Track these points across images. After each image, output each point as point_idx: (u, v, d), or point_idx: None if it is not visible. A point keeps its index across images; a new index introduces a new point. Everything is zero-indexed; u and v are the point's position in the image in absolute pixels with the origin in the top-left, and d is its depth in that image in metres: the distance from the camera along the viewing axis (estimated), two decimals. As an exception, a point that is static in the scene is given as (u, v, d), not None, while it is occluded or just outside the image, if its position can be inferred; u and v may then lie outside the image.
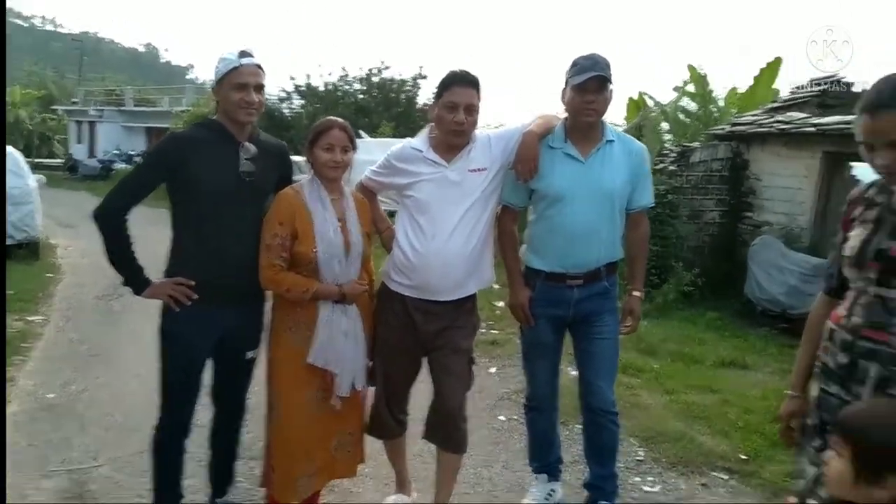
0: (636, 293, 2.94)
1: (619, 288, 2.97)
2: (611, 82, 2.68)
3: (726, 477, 3.51)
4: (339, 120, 2.67)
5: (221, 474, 2.95)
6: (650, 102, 12.26)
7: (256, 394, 2.89)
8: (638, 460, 3.67)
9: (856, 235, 1.85)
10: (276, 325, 2.69)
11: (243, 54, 2.54)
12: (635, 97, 12.89)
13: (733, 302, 7.02)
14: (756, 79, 10.96)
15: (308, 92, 23.17)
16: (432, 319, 2.76)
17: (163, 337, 2.65)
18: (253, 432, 3.27)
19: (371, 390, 2.87)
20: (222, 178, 2.54)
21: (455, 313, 2.78)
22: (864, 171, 8.66)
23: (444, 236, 2.67)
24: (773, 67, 10.87)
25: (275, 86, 24.10)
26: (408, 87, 22.52)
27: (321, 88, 22.87)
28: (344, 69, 22.79)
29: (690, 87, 11.76)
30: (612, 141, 2.78)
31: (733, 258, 7.50)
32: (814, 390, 1.94)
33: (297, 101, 23.95)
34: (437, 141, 2.73)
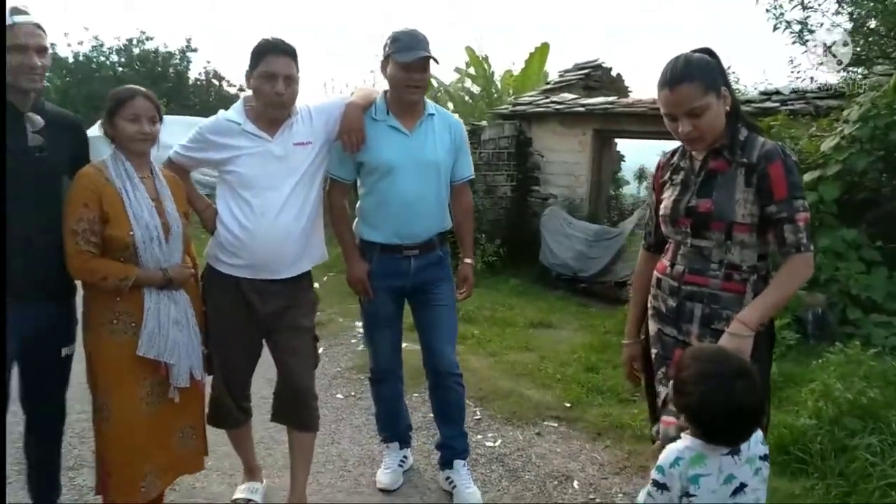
0: (468, 260, 3.07)
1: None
2: (436, 61, 2.73)
3: (556, 424, 3.86)
4: (142, 88, 2.44)
5: (47, 485, 2.63)
6: (434, 83, 12.72)
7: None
8: (476, 420, 3.89)
9: (668, 196, 2.15)
10: (93, 318, 2.41)
11: (16, 11, 2.21)
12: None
13: (531, 269, 7.59)
14: (527, 62, 11.83)
15: (55, 64, 20.66)
16: (270, 299, 2.66)
17: None
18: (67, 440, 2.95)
19: (209, 379, 2.73)
20: (8, 156, 2.19)
21: (293, 291, 2.71)
22: (626, 147, 9.95)
23: (275, 212, 2.57)
24: (541, 52, 11.81)
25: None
26: (176, 61, 20.99)
27: (70, 60, 20.54)
28: (97, 38, 20.63)
29: (471, 70, 12.40)
30: (432, 115, 2.85)
31: (527, 229, 8.12)
32: (652, 329, 2.23)
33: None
34: (256, 113, 2.59)
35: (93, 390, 2.43)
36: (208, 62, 21.53)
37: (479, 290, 6.67)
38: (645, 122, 7.29)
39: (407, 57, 2.66)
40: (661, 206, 2.16)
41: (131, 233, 2.31)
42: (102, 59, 20.57)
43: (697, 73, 1.94)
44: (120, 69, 20.35)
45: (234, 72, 23.26)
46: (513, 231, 8.01)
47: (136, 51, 20.71)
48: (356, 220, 2.99)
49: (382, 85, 2.92)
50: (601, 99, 8.00)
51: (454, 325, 3.06)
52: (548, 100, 8.49)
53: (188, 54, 21.11)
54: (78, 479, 3.09)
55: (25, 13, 2.23)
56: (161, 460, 2.49)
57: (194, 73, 21.25)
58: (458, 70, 12.87)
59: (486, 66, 12.12)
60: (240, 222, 2.57)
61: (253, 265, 2.61)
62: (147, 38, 20.77)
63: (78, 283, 2.46)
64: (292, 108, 2.64)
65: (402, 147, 2.78)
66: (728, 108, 1.99)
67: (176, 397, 2.44)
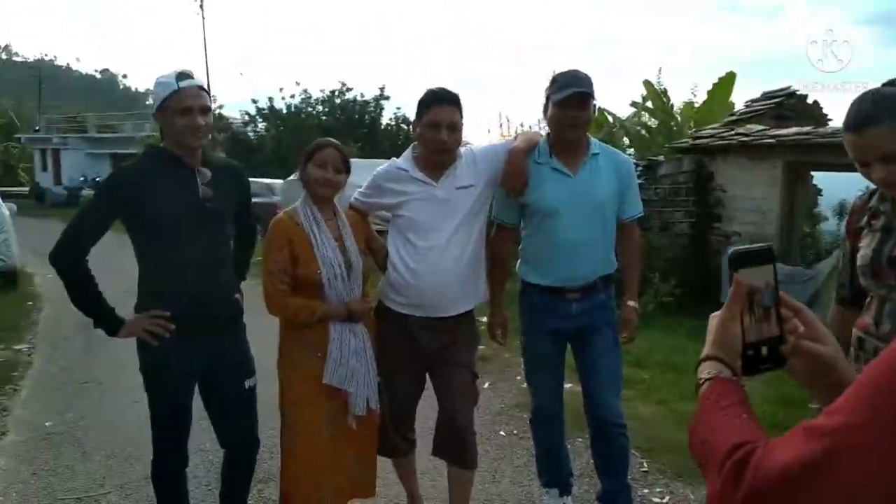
0: (631, 303, 2.93)
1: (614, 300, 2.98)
2: (593, 97, 2.69)
3: (731, 483, 3.50)
4: (335, 141, 2.65)
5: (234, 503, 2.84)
6: (609, 118, 12.44)
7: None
8: (643, 472, 3.64)
9: (866, 245, 1.86)
10: (285, 347, 2.64)
11: (182, 76, 2.36)
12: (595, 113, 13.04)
13: (710, 310, 6.95)
14: (710, 93, 11.19)
15: (271, 114, 23.01)
16: (434, 336, 2.72)
17: (144, 374, 2.50)
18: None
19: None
20: (181, 208, 2.40)
21: (455, 329, 2.76)
22: (824, 180, 9.02)
23: (438, 253, 2.64)
24: (726, 82, 11.12)
25: (237, 109, 23.84)
26: (370, 108, 22.52)
27: (284, 111, 22.73)
28: (306, 91, 22.71)
29: (648, 103, 11.97)
30: (597, 154, 2.79)
31: (706, 268, 7.59)
32: None
33: (261, 125, 23.78)
34: (423, 159, 2.69)
35: (282, 411, 2.64)
36: (398, 108, 22.76)
37: (652, 331, 6.33)
38: (846, 154, 6.56)
39: (561, 95, 2.63)
40: (859, 255, 1.87)
41: (319, 271, 2.51)
42: (310, 109, 22.57)
43: (887, 112, 1.63)
44: (324, 118, 22.22)
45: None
46: (690, 270, 7.49)
47: (338, 101, 22.51)
48: (518, 262, 2.97)
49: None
50: (794, 129, 7.31)
51: (618, 371, 2.92)
52: (732, 132, 7.93)
53: (381, 102, 22.57)
54: (265, 492, 3.34)
55: (190, 76, 2.39)
56: (338, 482, 2.63)
57: (386, 118, 22.65)
58: (634, 104, 12.49)
59: (664, 99, 11.63)
60: (406, 263, 2.67)
61: (419, 304, 2.69)
62: (347, 89, 22.52)
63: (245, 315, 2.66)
64: (456, 153, 2.70)
65: (566, 189, 2.74)
66: None
67: (353, 424, 2.58)
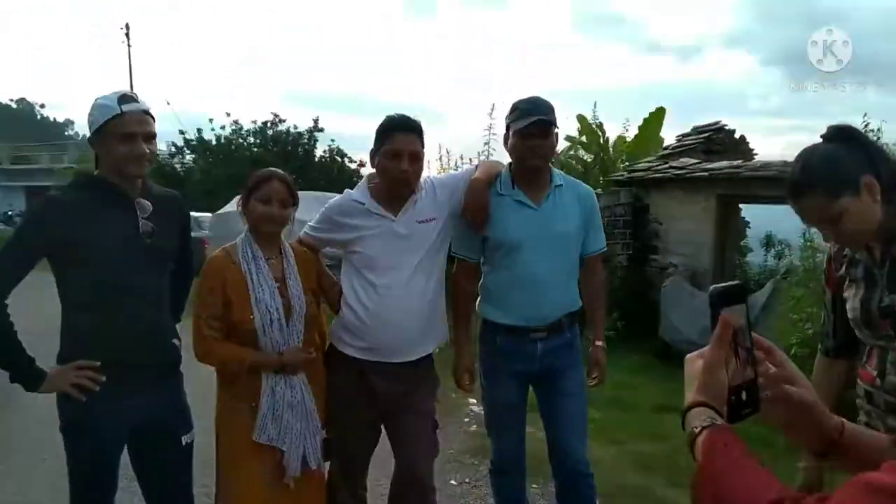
0: (599, 343, 2.80)
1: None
2: (555, 126, 2.57)
3: (696, 533, 3.36)
4: (280, 171, 2.43)
5: None
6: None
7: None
8: (607, 520, 3.45)
9: (852, 296, 1.76)
10: (219, 398, 2.41)
11: (125, 99, 2.14)
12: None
13: (652, 343, 7.00)
14: (641, 128, 11.45)
15: (199, 146, 22.33)
16: (391, 383, 2.51)
17: (65, 433, 2.21)
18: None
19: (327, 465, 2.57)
20: (119, 243, 2.16)
21: (415, 374, 2.56)
22: (750, 212, 9.28)
23: (398, 292, 2.46)
24: (656, 116, 11.39)
25: (163, 141, 23.12)
26: (304, 140, 22.13)
27: (213, 142, 22.11)
28: (236, 122, 22.13)
29: (583, 138, 12.14)
30: (560, 185, 2.66)
31: (645, 300, 7.60)
32: None
33: (189, 156, 23.04)
34: (379, 191, 2.52)
35: (217, 467, 2.41)
36: (332, 140, 22.46)
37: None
38: (775, 186, 6.70)
39: (523, 123, 2.48)
40: (848, 308, 1.78)
41: (251, 316, 2.28)
42: (241, 140, 22.00)
43: (819, 179, 1.57)
44: (255, 149, 21.68)
45: (355, 149, 24.17)
46: (630, 303, 7.48)
47: (270, 132, 22.03)
48: (478, 299, 2.77)
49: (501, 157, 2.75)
50: (725, 163, 7.47)
51: (584, 417, 2.75)
52: (666, 165, 8.06)
53: (315, 134, 22.23)
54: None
55: (134, 100, 2.18)
56: None
57: (320, 150, 22.30)
58: (569, 138, 12.65)
59: (599, 132, 11.81)
60: (363, 303, 2.46)
61: (376, 348, 2.48)
62: (280, 121, 22.05)
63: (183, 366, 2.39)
64: (416, 185, 2.51)
65: (530, 222, 2.58)
66: (878, 194, 1.56)
67: (291, 484, 2.35)
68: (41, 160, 32.70)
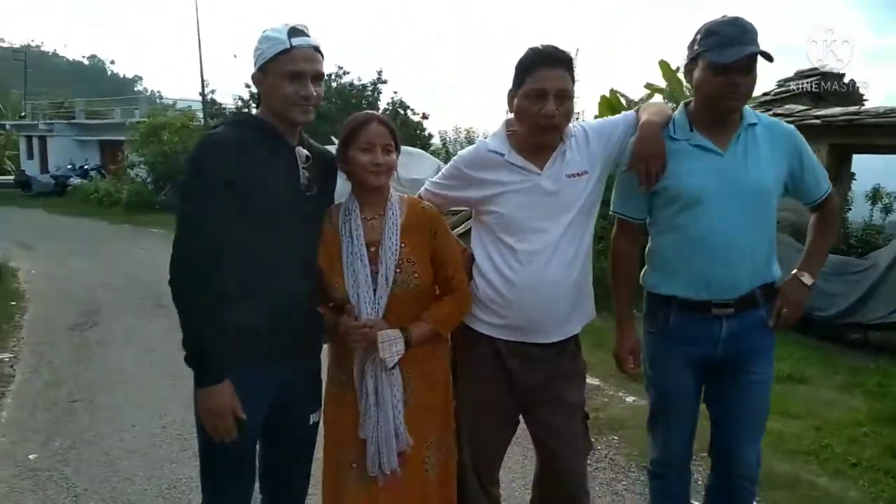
0: (805, 277, 2.17)
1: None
2: (767, 58, 1.98)
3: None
4: (377, 113, 2.04)
5: None
6: (623, 101, 11.78)
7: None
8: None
9: None
10: (329, 370, 2.16)
11: (295, 32, 1.89)
12: (607, 94, 12.39)
13: None
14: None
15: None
16: (532, 367, 2.12)
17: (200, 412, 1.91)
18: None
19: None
20: (280, 193, 1.92)
21: (559, 358, 2.15)
22: (863, 164, 8.45)
23: (544, 260, 2.05)
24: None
25: (231, 95, 23.05)
26: (368, 93, 21.69)
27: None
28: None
29: (662, 84, 11.31)
30: (753, 124, 2.10)
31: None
32: None
33: (255, 110, 22.92)
34: (521, 140, 2.09)
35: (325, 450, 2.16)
36: (395, 93, 21.98)
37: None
38: (898, 135, 5.97)
39: (726, 56, 1.93)
40: None
41: (339, 283, 2.01)
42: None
43: None
44: (322, 102, 21.40)
45: (418, 101, 23.73)
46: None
47: (334, 85, 21.64)
48: (644, 268, 2.30)
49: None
50: (841, 109, 6.72)
51: (766, 414, 2.25)
52: (769, 112, 7.32)
53: (379, 86, 21.75)
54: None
55: (304, 34, 1.91)
56: None
57: (383, 103, 21.84)
58: (648, 86, 11.82)
59: (688, 78, 10.94)
60: (502, 273, 2.06)
61: (516, 326, 2.08)
62: (344, 73, 21.64)
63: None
64: (565, 132, 2.06)
65: (713, 170, 2.06)
66: None
67: (379, 479, 2.04)
68: (113, 115, 33.15)
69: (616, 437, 3.71)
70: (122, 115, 31.05)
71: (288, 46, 1.85)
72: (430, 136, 19.52)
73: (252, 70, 1.95)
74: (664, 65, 11.19)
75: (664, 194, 2.12)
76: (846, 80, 8.13)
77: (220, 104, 23.73)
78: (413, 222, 2.04)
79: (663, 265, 2.20)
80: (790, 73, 8.28)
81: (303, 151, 1.98)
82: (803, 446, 3.50)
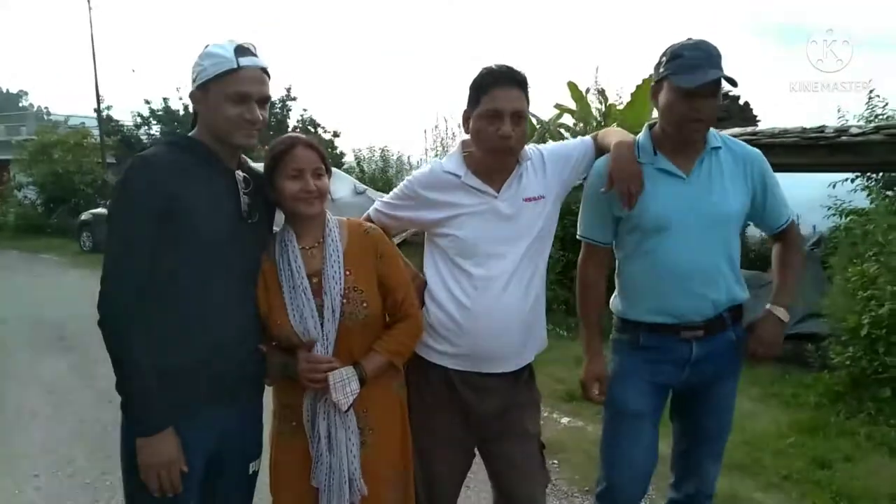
0: (779, 311, 2.12)
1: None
2: (729, 81, 1.98)
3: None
4: (301, 135, 1.94)
5: None
6: (534, 120, 12.04)
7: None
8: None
9: None
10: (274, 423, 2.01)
11: (242, 50, 1.76)
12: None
13: None
14: (634, 94, 11.01)
15: (166, 116, 21.28)
16: (487, 397, 2.06)
17: (130, 456, 1.74)
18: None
19: None
20: (220, 221, 1.79)
21: (514, 387, 2.10)
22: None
23: (500, 286, 2.01)
24: (649, 82, 10.95)
25: (128, 111, 21.99)
26: (276, 110, 21.22)
27: (181, 112, 21.08)
28: (205, 92, 21.10)
29: (572, 105, 11.66)
30: (717, 148, 2.09)
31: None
32: None
33: (155, 127, 21.97)
34: (477, 161, 2.04)
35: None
36: (304, 110, 21.59)
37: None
38: (795, 154, 6.35)
39: (692, 80, 1.93)
40: None
41: (282, 321, 1.88)
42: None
43: None
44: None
45: (328, 118, 23.50)
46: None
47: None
48: (613, 297, 2.28)
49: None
50: (739, 130, 7.10)
51: (729, 433, 2.28)
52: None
53: (288, 103, 21.34)
54: None
55: (252, 53, 1.79)
56: None
57: (293, 121, 21.44)
58: (558, 106, 12.16)
59: (600, 99, 11.33)
60: (457, 299, 2.00)
61: (470, 354, 2.02)
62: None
63: None
64: (521, 154, 2.03)
65: (678, 196, 2.06)
66: None
67: None
68: (-4, 132, 30.88)
69: (556, 461, 3.68)
70: (6, 132, 28.97)
71: (235, 66, 1.73)
72: (343, 154, 19.30)
73: (190, 87, 1.81)
74: (572, 86, 11.57)
75: (629, 219, 2.11)
76: (741, 101, 8.64)
77: (118, 121, 22.60)
78: (356, 247, 1.94)
79: (631, 290, 2.20)
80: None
81: (242, 176, 1.86)
82: (736, 460, 3.57)
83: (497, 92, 1.95)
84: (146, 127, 21.91)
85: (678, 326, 2.10)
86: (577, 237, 2.26)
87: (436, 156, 10.01)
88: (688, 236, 2.05)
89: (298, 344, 1.87)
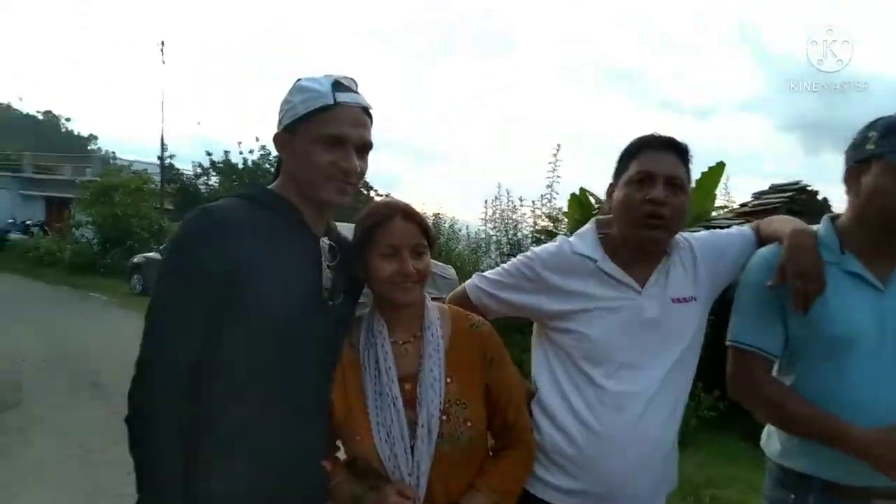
0: None
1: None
2: None
3: None
4: (400, 202, 1.56)
5: None
6: (592, 200, 11.72)
7: None
8: None
9: None
10: None
11: (340, 86, 1.45)
12: (576, 192, 12.35)
13: (755, 424, 5.90)
14: (698, 182, 10.65)
15: (226, 168, 21.72)
16: None
17: None
18: None
19: None
20: (292, 299, 1.42)
21: None
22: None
23: (640, 407, 1.60)
24: (715, 172, 10.60)
25: (188, 160, 22.52)
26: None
27: (240, 166, 21.50)
28: (265, 147, 21.50)
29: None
30: None
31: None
32: None
33: (214, 178, 22.43)
34: (616, 245, 1.69)
35: None
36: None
37: (697, 454, 5.20)
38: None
39: None
40: None
41: (362, 434, 1.48)
42: (268, 165, 21.40)
43: None
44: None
45: (377, 176, 23.57)
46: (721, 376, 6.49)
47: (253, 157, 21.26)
48: (768, 432, 1.79)
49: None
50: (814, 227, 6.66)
51: None
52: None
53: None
54: None
55: (352, 90, 1.47)
56: None
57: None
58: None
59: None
60: (581, 418, 1.62)
61: (593, 493, 1.61)
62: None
63: None
64: (671, 243, 1.66)
65: (871, 310, 1.59)
66: None
67: None
68: (63, 171, 32.05)
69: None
70: (72, 172, 30.08)
71: (331, 102, 1.42)
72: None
73: (275, 129, 1.51)
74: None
75: (804, 333, 1.64)
76: (819, 196, 8.19)
77: (179, 170, 23.18)
78: (461, 346, 1.55)
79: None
80: (765, 187, 8.32)
81: (328, 245, 1.52)
82: None
83: (650, 154, 1.64)
84: (205, 177, 22.40)
85: (869, 491, 1.58)
86: (730, 344, 1.76)
87: (493, 229, 9.67)
88: (880, 365, 1.58)
89: (379, 471, 1.47)
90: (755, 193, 8.38)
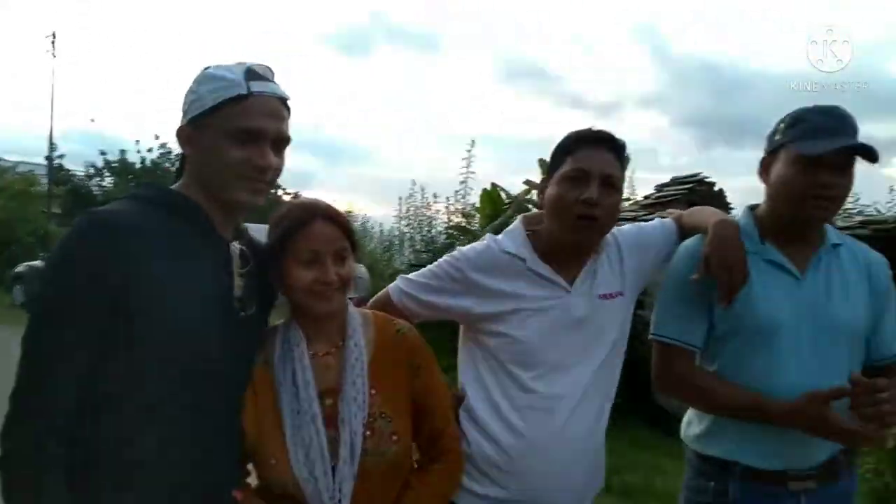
0: None
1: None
2: (868, 156, 1.56)
3: None
4: (321, 204, 1.39)
5: None
6: (503, 196, 11.80)
7: None
8: None
9: None
10: None
11: (254, 74, 1.29)
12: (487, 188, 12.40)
13: (643, 411, 5.99)
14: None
15: (121, 168, 20.64)
16: None
17: None
18: None
19: None
20: (197, 311, 1.26)
21: None
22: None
23: (568, 409, 1.55)
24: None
25: (82, 161, 21.30)
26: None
27: (137, 165, 20.47)
28: (165, 145, 20.53)
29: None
30: (837, 245, 1.67)
31: (632, 359, 6.77)
32: None
33: (108, 179, 21.29)
34: (546, 242, 1.61)
35: None
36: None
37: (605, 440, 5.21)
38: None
39: (819, 146, 1.50)
40: None
41: (277, 458, 1.33)
42: (168, 165, 20.51)
43: None
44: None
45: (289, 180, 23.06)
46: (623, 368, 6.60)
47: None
48: (686, 419, 1.76)
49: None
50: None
51: None
52: (651, 215, 7.41)
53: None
54: None
55: (268, 79, 1.31)
56: None
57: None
58: (528, 182, 11.98)
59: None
60: (508, 422, 1.55)
61: (521, 498, 1.55)
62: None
63: None
64: (602, 241, 1.60)
65: (791, 298, 1.58)
66: None
67: None
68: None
69: None
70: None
71: (244, 92, 1.26)
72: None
73: (178, 122, 1.32)
74: (543, 163, 11.43)
75: (725, 321, 1.62)
76: (716, 188, 8.54)
77: (69, 170, 21.81)
78: (385, 355, 1.41)
79: (719, 421, 1.65)
80: (666, 179, 8.62)
81: (238, 249, 1.35)
82: None
83: (586, 151, 1.56)
84: (99, 178, 21.19)
85: (785, 474, 1.57)
86: (652, 338, 1.70)
87: (407, 226, 9.56)
88: (801, 349, 1.57)
89: (296, 496, 1.30)
90: (657, 186, 8.65)
